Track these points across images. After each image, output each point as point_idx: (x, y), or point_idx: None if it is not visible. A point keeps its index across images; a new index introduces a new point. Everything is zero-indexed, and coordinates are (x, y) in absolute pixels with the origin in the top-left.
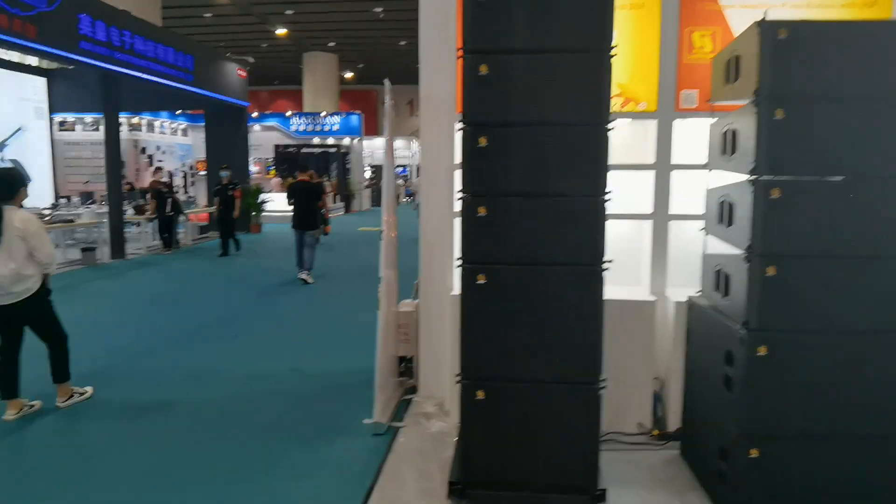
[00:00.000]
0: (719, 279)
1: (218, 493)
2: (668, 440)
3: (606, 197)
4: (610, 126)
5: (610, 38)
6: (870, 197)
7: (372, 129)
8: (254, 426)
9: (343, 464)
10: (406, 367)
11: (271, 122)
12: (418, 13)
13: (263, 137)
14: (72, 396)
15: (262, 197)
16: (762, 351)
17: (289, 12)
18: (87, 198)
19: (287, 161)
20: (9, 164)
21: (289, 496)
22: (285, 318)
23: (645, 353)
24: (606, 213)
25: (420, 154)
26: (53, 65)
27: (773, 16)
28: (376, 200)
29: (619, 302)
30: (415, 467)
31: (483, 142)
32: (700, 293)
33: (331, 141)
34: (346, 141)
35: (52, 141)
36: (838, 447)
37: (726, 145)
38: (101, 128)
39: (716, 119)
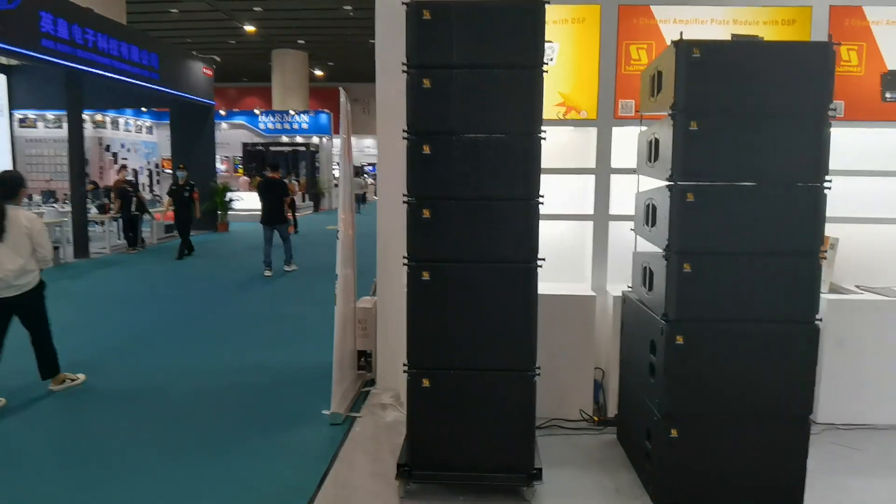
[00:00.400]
0: (645, 275)
1: (184, 474)
2: (607, 425)
3: (539, 200)
4: (542, 135)
5: (542, 57)
6: (773, 200)
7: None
8: (218, 416)
9: (301, 450)
10: (365, 361)
11: (239, 120)
12: (375, 26)
13: (232, 135)
14: (63, 382)
15: (230, 195)
16: (680, 340)
17: (257, 9)
18: (49, 196)
19: (255, 159)
20: None
21: (248, 478)
22: (250, 314)
23: (586, 345)
24: (539, 214)
25: (378, 158)
26: (14, 61)
27: (702, 31)
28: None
29: (562, 297)
30: (368, 453)
31: (426, 150)
32: (631, 288)
33: (300, 139)
34: (316, 140)
35: (13, 138)
36: (746, 427)
37: (650, 153)
38: (64, 125)
39: (643, 128)
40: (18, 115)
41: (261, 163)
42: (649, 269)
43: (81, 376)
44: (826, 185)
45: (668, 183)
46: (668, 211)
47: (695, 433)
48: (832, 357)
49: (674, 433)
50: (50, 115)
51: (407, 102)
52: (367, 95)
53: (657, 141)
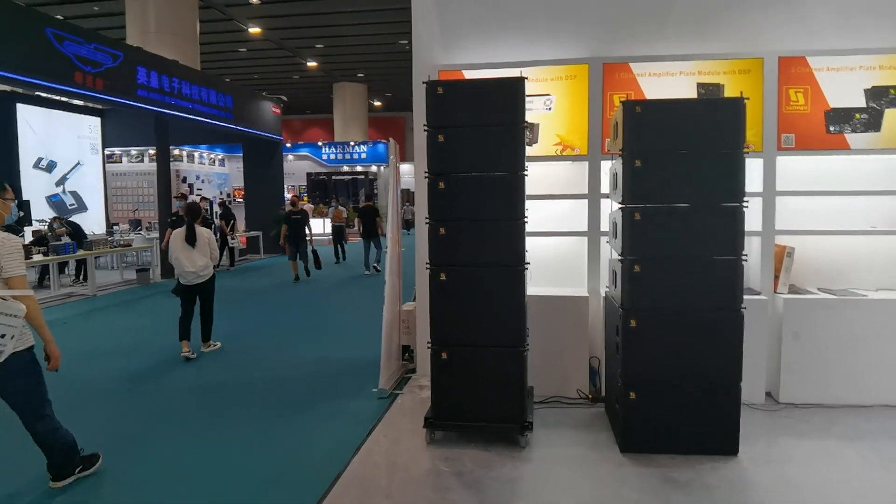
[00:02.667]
0: (612, 276)
1: (265, 430)
2: (598, 402)
3: (525, 220)
4: (525, 173)
5: (522, 117)
6: (702, 217)
7: (401, 156)
8: (293, 392)
9: (354, 415)
10: (409, 354)
11: (304, 152)
12: (412, 98)
13: (297, 166)
14: (210, 346)
15: None
16: (633, 323)
17: (319, 46)
18: (136, 225)
19: (319, 188)
20: (69, 197)
21: (314, 434)
22: (318, 318)
23: (582, 336)
24: (525, 231)
25: (415, 192)
26: (103, 105)
27: (672, 82)
28: (402, 223)
29: (562, 297)
30: (406, 417)
31: (442, 185)
32: (608, 287)
33: (359, 168)
34: (374, 168)
35: (104, 174)
36: (689, 391)
37: (613, 182)
38: (146, 159)
39: (612, 163)
40: (106, 151)
41: (323, 191)
42: (614, 270)
43: (219, 344)
44: (744, 205)
45: (621, 205)
46: (622, 226)
47: (649, 396)
48: (790, 347)
49: (632, 396)
50: (134, 150)
51: (427, 151)
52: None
53: (616, 174)
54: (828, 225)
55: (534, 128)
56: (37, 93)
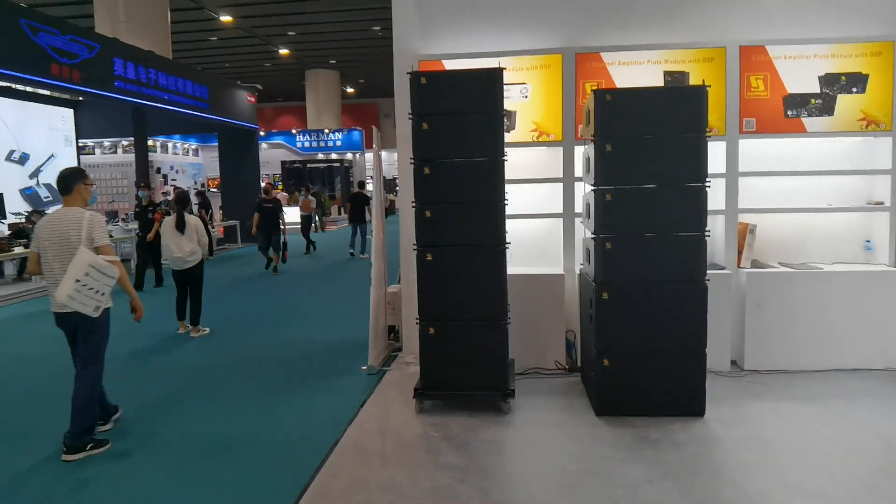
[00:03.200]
0: (586, 253)
1: (263, 404)
2: (574, 372)
3: (505, 202)
4: (504, 158)
5: (501, 106)
6: (668, 197)
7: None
8: (285, 371)
9: (346, 390)
10: (394, 334)
11: (278, 140)
12: (393, 87)
13: (271, 154)
14: (199, 331)
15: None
16: (605, 296)
17: (291, 33)
18: (113, 216)
19: (294, 176)
20: (43, 189)
21: (310, 407)
22: (301, 305)
23: (558, 312)
24: (505, 212)
25: (399, 178)
26: (80, 97)
27: (640, 70)
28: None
29: (539, 276)
30: (396, 390)
31: (427, 171)
32: (583, 265)
33: (334, 156)
34: (349, 156)
35: (79, 165)
36: (657, 357)
37: (586, 166)
38: (119, 150)
39: (585, 148)
40: (79, 143)
41: (298, 179)
42: (588, 248)
43: (207, 329)
44: (707, 185)
45: (594, 187)
46: (594, 207)
47: (621, 363)
48: (753, 318)
49: (606, 363)
50: (107, 142)
51: (412, 139)
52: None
53: (588, 158)
54: (787, 203)
55: (511, 115)
56: (8, 84)
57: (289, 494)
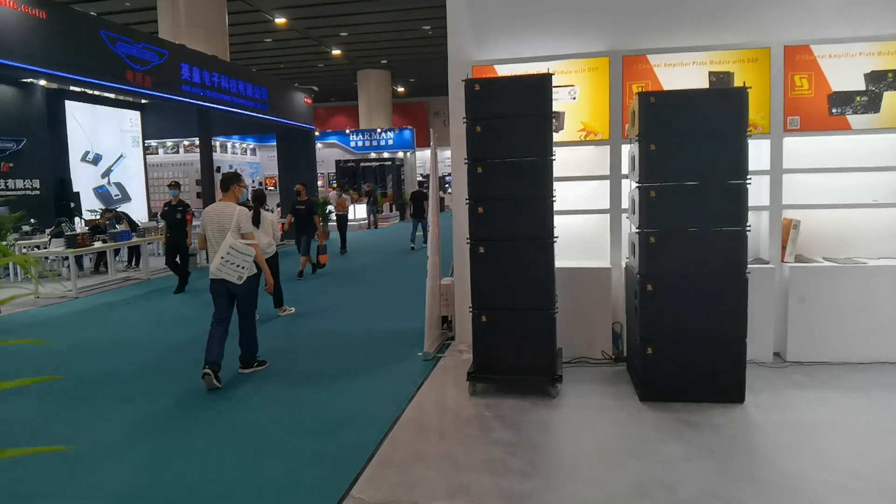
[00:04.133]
0: (632, 247)
1: (330, 387)
2: (620, 362)
3: (553, 199)
4: (553, 157)
5: (550, 108)
6: (710, 193)
7: (423, 142)
8: (349, 357)
9: (404, 374)
10: (447, 324)
11: (333, 140)
12: (448, 94)
13: (326, 154)
14: (285, 311)
15: (329, 208)
16: (650, 288)
17: (343, 34)
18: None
19: (347, 174)
20: (114, 188)
21: (371, 388)
22: (359, 298)
23: (605, 304)
24: (553, 209)
25: (453, 177)
26: (145, 100)
27: (686, 71)
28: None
29: (587, 269)
30: (450, 374)
31: (479, 170)
32: (628, 258)
33: (386, 155)
34: (401, 154)
35: (145, 165)
36: (699, 345)
37: (632, 164)
38: (181, 150)
39: (631, 146)
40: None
41: (352, 177)
42: (633, 242)
43: (293, 309)
44: (747, 182)
45: (638, 184)
46: (639, 203)
47: (664, 351)
48: (796, 311)
49: (650, 351)
50: (169, 142)
51: (466, 140)
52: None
53: (634, 156)
54: (832, 200)
55: (560, 116)
56: (83, 89)
57: (356, 462)
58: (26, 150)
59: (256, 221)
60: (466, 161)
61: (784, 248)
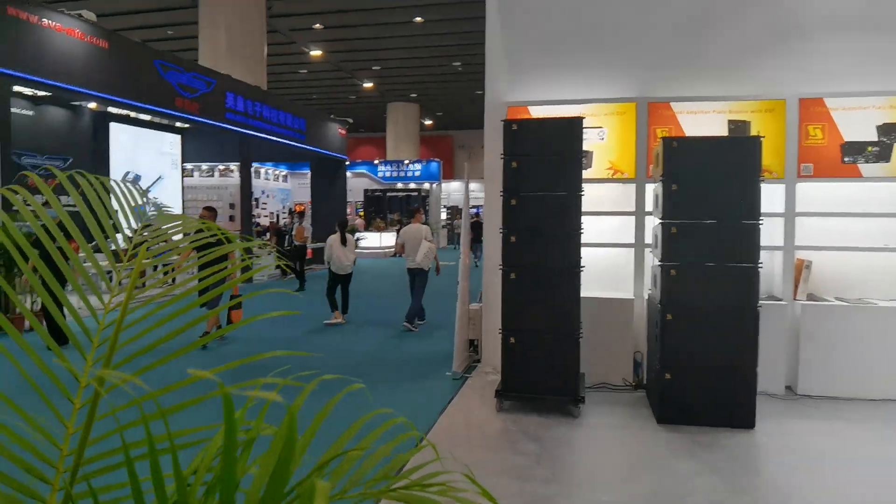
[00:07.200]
0: (653, 279)
1: (363, 402)
2: (640, 389)
3: (581, 232)
4: (581, 193)
5: (580, 149)
6: (726, 232)
7: (449, 174)
8: (384, 374)
9: (434, 391)
10: (473, 347)
11: (361, 170)
12: (473, 129)
13: (354, 183)
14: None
15: (357, 234)
16: (669, 317)
17: (375, 67)
18: None
19: (374, 204)
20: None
21: (404, 402)
22: (392, 320)
23: (627, 333)
24: (580, 241)
25: (485, 208)
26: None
27: (706, 118)
28: (451, 239)
29: (610, 299)
30: (477, 393)
31: (514, 202)
32: (650, 290)
33: (413, 186)
34: (427, 185)
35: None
36: (711, 374)
37: (655, 202)
38: (216, 174)
39: (655, 186)
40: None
41: (378, 206)
42: (655, 275)
43: (343, 319)
44: (760, 222)
45: (661, 221)
46: (661, 238)
47: (681, 377)
48: (807, 347)
49: (668, 376)
50: (204, 165)
51: (503, 175)
52: (471, 141)
53: (657, 195)
54: (844, 243)
55: (589, 155)
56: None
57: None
58: (71, 169)
59: (344, 242)
60: (502, 193)
61: (796, 286)
